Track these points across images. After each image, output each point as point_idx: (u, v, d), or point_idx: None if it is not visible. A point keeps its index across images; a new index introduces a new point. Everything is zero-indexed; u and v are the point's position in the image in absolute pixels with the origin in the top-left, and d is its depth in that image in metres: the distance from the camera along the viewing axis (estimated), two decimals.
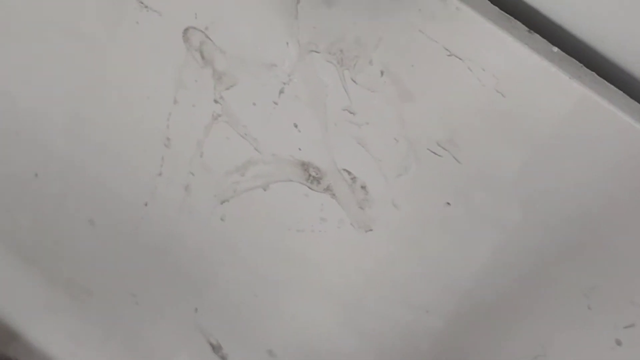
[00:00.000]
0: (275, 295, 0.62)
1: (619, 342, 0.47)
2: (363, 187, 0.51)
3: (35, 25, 0.58)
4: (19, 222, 0.74)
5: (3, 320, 0.88)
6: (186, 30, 0.51)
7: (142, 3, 0.52)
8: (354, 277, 0.56)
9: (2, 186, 0.72)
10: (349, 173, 0.51)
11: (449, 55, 0.42)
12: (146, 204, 0.63)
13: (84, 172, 0.65)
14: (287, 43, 0.47)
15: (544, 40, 0.41)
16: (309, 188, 0.53)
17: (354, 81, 0.47)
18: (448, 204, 0.48)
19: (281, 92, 0.50)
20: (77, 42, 0.57)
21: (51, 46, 0.58)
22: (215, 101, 0.53)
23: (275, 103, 0.51)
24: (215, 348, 0.69)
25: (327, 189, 0.53)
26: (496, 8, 0.41)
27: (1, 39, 0.61)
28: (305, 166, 0.52)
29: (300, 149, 0.52)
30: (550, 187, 0.44)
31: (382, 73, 0.45)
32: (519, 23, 0.41)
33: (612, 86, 0.41)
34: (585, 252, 0.46)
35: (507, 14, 0.41)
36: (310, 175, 0.53)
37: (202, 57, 0.52)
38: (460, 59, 0.42)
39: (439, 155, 0.46)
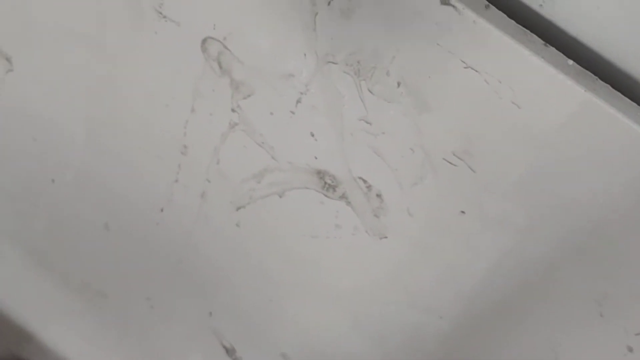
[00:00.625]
0: (289, 299, 0.63)
1: (630, 349, 0.48)
2: (378, 196, 0.51)
3: (55, 34, 0.59)
4: (35, 225, 0.75)
5: (17, 321, 0.89)
6: (204, 40, 0.52)
7: (160, 13, 0.53)
8: (366, 282, 0.57)
9: (19, 191, 0.73)
10: (365, 181, 0.52)
11: (465, 68, 0.43)
12: (162, 210, 0.64)
13: (100, 177, 0.66)
14: (305, 54, 0.48)
15: (560, 54, 0.42)
16: (325, 195, 0.54)
17: (371, 92, 0.47)
18: (462, 212, 0.49)
19: (298, 101, 0.51)
20: (96, 50, 0.57)
21: (70, 55, 0.59)
22: (233, 110, 0.54)
23: (292, 112, 0.51)
24: (229, 351, 0.70)
25: (343, 197, 0.53)
26: (512, 21, 0.42)
27: (22, 48, 0.62)
28: (321, 174, 0.53)
29: (316, 158, 0.53)
30: (562, 195, 0.45)
31: (398, 84, 0.46)
32: (535, 36, 0.42)
33: (626, 99, 0.41)
34: (597, 259, 0.46)
35: (523, 28, 0.42)
36: (326, 183, 0.53)
37: (220, 66, 0.52)
38: (476, 71, 0.43)
39: (455, 165, 0.47)
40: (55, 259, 0.77)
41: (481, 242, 0.49)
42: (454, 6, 0.42)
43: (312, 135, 0.52)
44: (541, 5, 0.43)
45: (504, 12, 0.42)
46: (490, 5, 0.42)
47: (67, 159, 0.67)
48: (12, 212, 0.76)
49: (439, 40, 0.43)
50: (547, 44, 0.42)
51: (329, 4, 0.46)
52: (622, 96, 0.41)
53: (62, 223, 0.72)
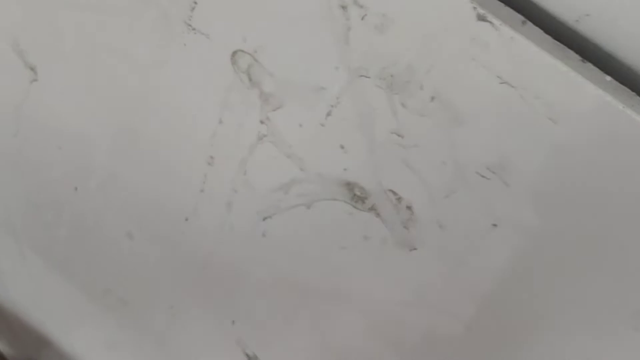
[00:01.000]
0: (314, 308, 0.63)
1: None
2: (408, 208, 0.51)
3: (85, 46, 0.59)
4: (58, 232, 0.75)
5: (36, 326, 0.90)
6: (234, 53, 0.52)
7: (190, 26, 0.53)
8: (395, 291, 0.57)
9: (42, 199, 0.73)
10: (395, 193, 0.52)
11: (501, 83, 0.43)
12: (187, 219, 0.64)
13: (124, 187, 0.66)
14: (337, 67, 0.48)
15: (597, 70, 0.42)
16: (354, 207, 0.54)
17: (404, 105, 0.47)
18: (494, 225, 0.49)
19: (328, 114, 0.51)
20: (125, 62, 0.57)
21: (100, 66, 0.59)
22: (261, 122, 0.54)
23: (322, 125, 0.51)
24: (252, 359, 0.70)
25: (372, 209, 0.53)
26: (550, 37, 0.42)
27: (51, 58, 0.62)
28: (350, 186, 0.53)
29: (345, 169, 0.53)
30: (596, 209, 0.45)
31: (432, 98, 0.46)
32: (572, 52, 0.42)
33: None
34: (631, 273, 0.46)
35: (561, 44, 0.42)
36: (355, 194, 0.53)
37: (250, 79, 0.52)
38: (512, 86, 0.43)
39: (487, 179, 0.47)
40: (77, 265, 0.77)
41: (511, 252, 0.49)
42: (490, 22, 0.42)
43: (342, 147, 0.52)
44: (577, 20, 0.43)
45: (540, 28, 0.42)
46: (527, 21, 0.42)
47: (91, 167, 0.67)
48: (35, 219, 0.76)
49: (474, 56, 0.43)
50: (585, 60, 0.42)
51: (362, 18, 0.45)
52: None
53: (85, 231, 0.73)
